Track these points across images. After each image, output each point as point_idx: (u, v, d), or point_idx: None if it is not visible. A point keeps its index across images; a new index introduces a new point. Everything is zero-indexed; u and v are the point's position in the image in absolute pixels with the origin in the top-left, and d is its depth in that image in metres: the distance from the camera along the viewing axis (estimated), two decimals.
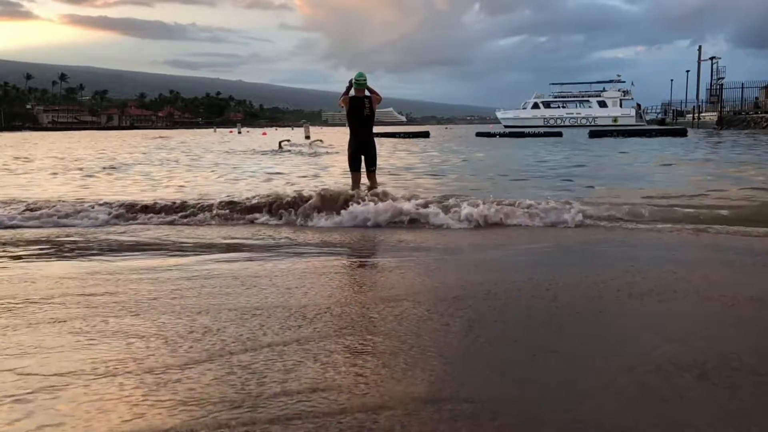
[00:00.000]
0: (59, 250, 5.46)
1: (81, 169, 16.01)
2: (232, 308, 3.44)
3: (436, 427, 2.03)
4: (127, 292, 3.85)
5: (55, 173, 14.58)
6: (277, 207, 7.66)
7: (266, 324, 3.14)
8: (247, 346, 2.81)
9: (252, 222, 7.23)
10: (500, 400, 2.22)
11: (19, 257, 5.10)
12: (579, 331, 3.03)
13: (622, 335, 2.94)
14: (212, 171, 14.73)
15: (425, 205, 7.17)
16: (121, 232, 6.49)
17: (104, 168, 16.11)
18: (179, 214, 7.53)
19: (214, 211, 7.59)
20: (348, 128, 9.27)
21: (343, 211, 7.33)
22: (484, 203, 7.05)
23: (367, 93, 9.01)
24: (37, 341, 2.92)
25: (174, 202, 8.00)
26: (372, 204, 7.31)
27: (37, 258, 5.09)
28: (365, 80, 8.95)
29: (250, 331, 3.04)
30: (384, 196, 7.64)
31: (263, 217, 7.47)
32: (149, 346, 2.85)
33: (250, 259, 4.98)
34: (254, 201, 7.94)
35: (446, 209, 7.04)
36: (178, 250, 5.42)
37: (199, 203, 7.91)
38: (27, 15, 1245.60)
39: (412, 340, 2.89)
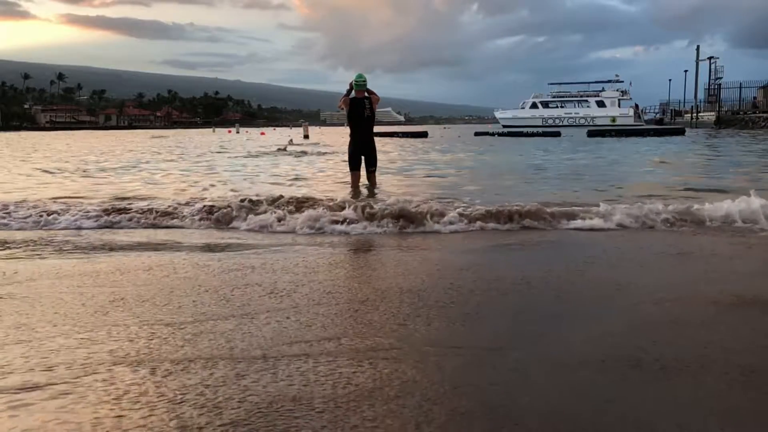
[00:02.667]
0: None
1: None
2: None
3: (419, 358, 2.70)
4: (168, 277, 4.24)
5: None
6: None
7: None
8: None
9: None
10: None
11: None
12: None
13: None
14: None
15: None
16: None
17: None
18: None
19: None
20: (347, 128, 9.38)
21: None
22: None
23: (366, 94, 9.09)
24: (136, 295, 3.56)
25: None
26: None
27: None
28: (365, 82, 9.03)
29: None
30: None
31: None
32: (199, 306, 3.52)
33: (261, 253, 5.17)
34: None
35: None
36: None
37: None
38: (24, 14, 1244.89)
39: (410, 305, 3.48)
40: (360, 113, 9.06)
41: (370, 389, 2.36)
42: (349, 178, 9.63)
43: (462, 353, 2.75)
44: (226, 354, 2.74)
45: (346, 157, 9.71)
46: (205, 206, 7.04)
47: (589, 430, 2.08)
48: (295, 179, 12.23)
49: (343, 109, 9.25)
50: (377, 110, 9.42)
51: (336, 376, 2.48)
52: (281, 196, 7.36)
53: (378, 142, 9.83)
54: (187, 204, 7.31)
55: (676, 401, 2.27)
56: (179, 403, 2.25)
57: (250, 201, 7.10)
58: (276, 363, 2.62)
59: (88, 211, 6.96)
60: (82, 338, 2.96)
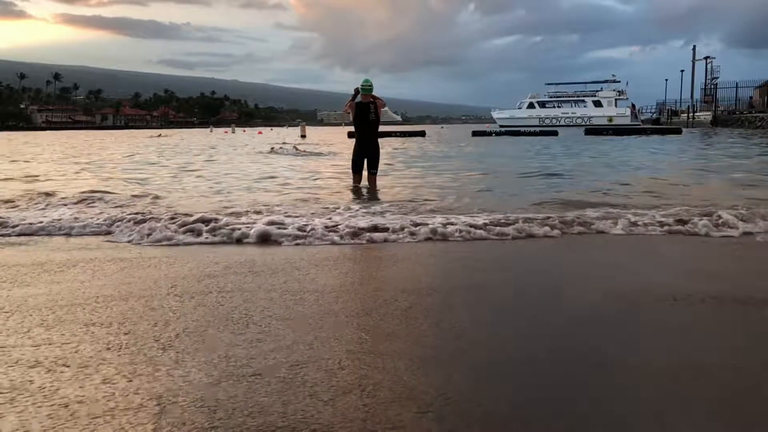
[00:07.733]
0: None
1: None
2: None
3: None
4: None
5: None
6: None
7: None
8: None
9: None
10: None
11: None
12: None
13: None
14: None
15: None
16: None
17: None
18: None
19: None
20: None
21: None
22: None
23: (371, 99, 9.26)
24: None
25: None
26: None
27: None
28: (371, 86, 9.21)
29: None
30: None
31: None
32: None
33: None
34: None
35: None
36: None
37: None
38: (21, 14, 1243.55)
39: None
40: (365, 117, 9.24)
41: None
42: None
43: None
44: None
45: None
46: None
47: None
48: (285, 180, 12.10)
49: (349, 113, 9.41)
50: None
51: None
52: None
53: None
54: None
55: None
56: None
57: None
58: None
59: None
60: None
